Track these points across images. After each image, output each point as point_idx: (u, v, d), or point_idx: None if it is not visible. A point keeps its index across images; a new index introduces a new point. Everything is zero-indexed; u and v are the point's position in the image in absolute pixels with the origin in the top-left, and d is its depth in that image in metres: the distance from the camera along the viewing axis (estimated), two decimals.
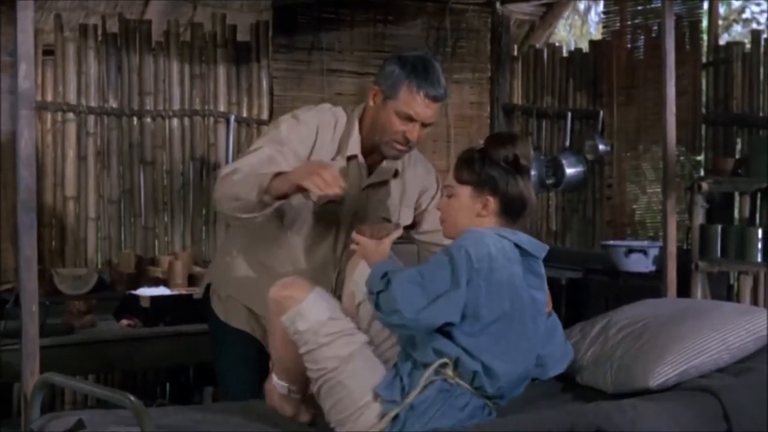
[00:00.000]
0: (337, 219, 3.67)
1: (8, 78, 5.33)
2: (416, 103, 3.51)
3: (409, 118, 3.52)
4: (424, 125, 3.56)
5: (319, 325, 3.13)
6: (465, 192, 3.20)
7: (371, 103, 3.60)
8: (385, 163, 3.71)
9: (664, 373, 3.39)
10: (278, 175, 3.31)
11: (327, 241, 3.70)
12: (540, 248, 3.21)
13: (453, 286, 2.98)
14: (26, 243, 3.17)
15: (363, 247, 3.25)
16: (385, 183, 3.74)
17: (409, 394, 3.03)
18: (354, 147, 3.63)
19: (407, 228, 3.85)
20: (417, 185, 3.85)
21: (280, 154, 3.52)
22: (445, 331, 3.04)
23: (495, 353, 3.07)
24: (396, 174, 3.75)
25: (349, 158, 3.64)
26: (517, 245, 3.14)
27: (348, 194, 3.55)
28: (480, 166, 3.19)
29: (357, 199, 3.67)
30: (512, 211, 3.20)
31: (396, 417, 3.03)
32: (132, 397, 2.71)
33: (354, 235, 3.30)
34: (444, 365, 3.05)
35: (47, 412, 3.16)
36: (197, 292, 3.98)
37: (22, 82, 3.16)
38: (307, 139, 3.59)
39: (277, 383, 3.25)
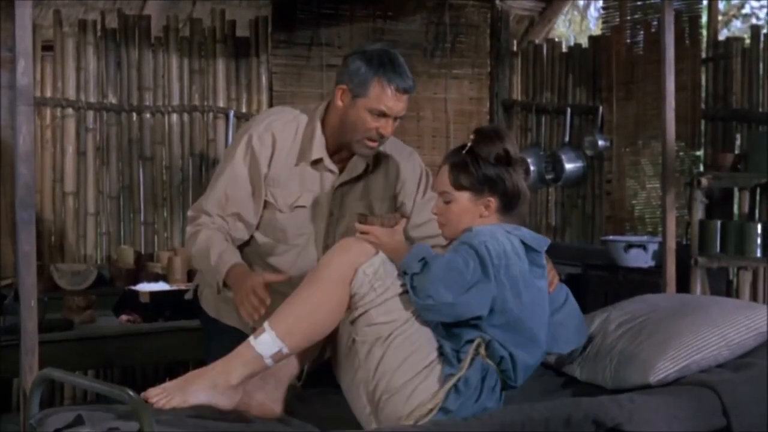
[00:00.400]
0: (314, 221, 3.68)
1: (7, 74, 5.34)
2: (388, 97, 3.48)
3: (382, 114, 3.50)
4: (395, 119, 3.55)
5: (396, 275, 3.15)
6: (464, 197, 3.24)
7: (339, 103, 3.54)
8: (355, 158, 3.68)
9: (664, 368, 3.39)
10: (233, 268, 3.42)
11: (308, 243, 3.69)
12: (542, 242, 3.25)
13: (484, 278, 3.04)
14: (25, 239, 3.16)
15: (377, 236, 3.22)
16: (358, 179, 3.72)
17: (461, 362, 3.09)
18: (319, 150, 3.60)
19: None
20: (396, 173, 3.81)
21: (237, 186, 3.58)
22: (472, 323, 3.10)
23: (518, 344, 3.15)
24: (368, 168, 3.72)
25: (315, 162, 3.61)
26: (521, 241, 3.18)
27: (319, 198, 3.62)
28: (475, 169, 3.21)
29: (331, 199, 3.67)
30: (511, 204, 3.25)
31: (453, 389, 3.06)
32: (131, 393, 2.70)
33: (361, 225, 3.26)
34: (479, 345, 3.11)
35: (46, 408, 3.15)
36: (188, 293, 3.94)
37: (20, 78, 3.15)
38: (263, 156, 3.58)
39: (265, 339, 3.06)
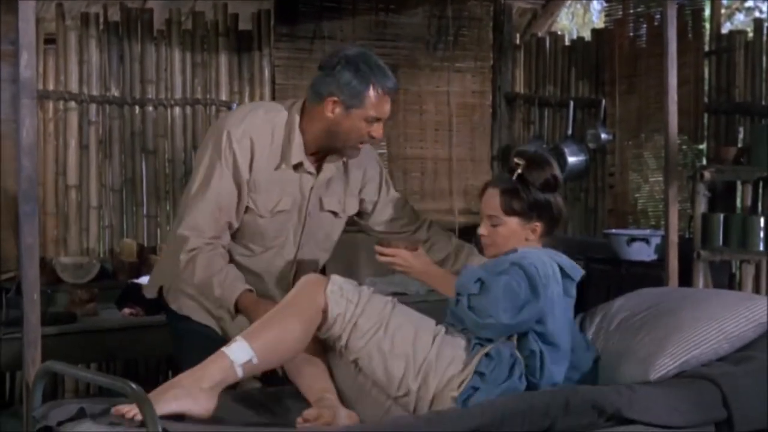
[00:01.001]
0: (293, 223, 3.69)
1: (9, 67, 5.33)
2: (382, 104, 3.53)
3: (377, 120, 3.54)
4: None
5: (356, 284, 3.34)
6: (513, 221, 3.43)
7: (329, 114, 3.52)
8: (329, 158, 3.69)
9: (664, 365, 3.40)
10: (241, 297, 3.45)
11: (285, 243, 3.71)
12: (577, 272, 3.42)
13: (534, 298, 3.22)
14: (27, 231, 3.16)
15: (405, 259, 3.40)
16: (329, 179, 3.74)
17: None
18: (298, 154, 3.59)
19: (356, 216, 3.92)
20: (358, 172, 3.83)
21: (227, 195, 3.54)
22: None
23: (548, 349, 3.30)
24: (345, 166, 3.75)
25: (295, 165, 3.60)
26: (560, 266, 3.35)
27: (297, 200, 3.64)
28: (526, 195, 3.39)
29: (307, 201, 3.68)
30: (553, 228, 3.49)
31: (485, 356, 3.19)
32: (134, 386, 2.70)
33: (384, 249, 3.42)
34: (511, 336, 3.28)
35: (49, 401, 3.16)
36: (148, 291, 3.85)
37: (23, 71, 3.15)
38: (244, 161, 3.54)
39: (238, 347, 3.10)
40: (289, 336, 3.17)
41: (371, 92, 3.49)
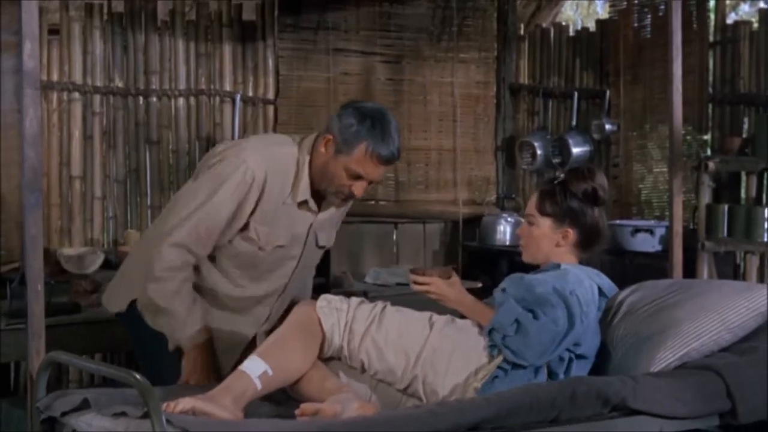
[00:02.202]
0: (291, 257, 3.69)
1: (12, 58, 5.32)
2: (368, 165, 3.46)
3: (359, 177, 3.49)
4: (370, 182, 3.55)
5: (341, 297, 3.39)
6: (546, 223, 3.47)
7: (322, 150, 3.49)
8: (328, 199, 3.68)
9: (664, 358, 3.39)
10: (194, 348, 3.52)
11: (280, 276, 3.71)
12: (613, 290, 3.52)
13: (569, 327, 3.23)
14: (31, 222, 3.15)
15: (439, 287, 3.37)
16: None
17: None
18: (305, 192, 3.56)
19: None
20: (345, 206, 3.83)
21: (217, 221, 3.48)
22: None
23: (578, 361, 3.35)
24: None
25: (300, 203, 3.59)
26: (599, 288, 3.41)
27: (298, 236, 3.63)
28: (561, 199, 3.43)
29: (305, 237, 3.68)
30: (588, 242, 3.50)
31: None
32: (138, 376, 2.69)
33: (418, 277, 3.38)
34: None
35: (53, 391, 3.15)
36: (118, 304, 3.78)
37: (27, 61, 3.14)
38: (253, 195, 3.49)
39: (252, 362, 3.14)
40: (296, 348, 3.22)
41: (363, 146, 3.43)
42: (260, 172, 3.47)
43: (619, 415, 3.16)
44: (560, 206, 3.45)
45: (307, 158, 3.54)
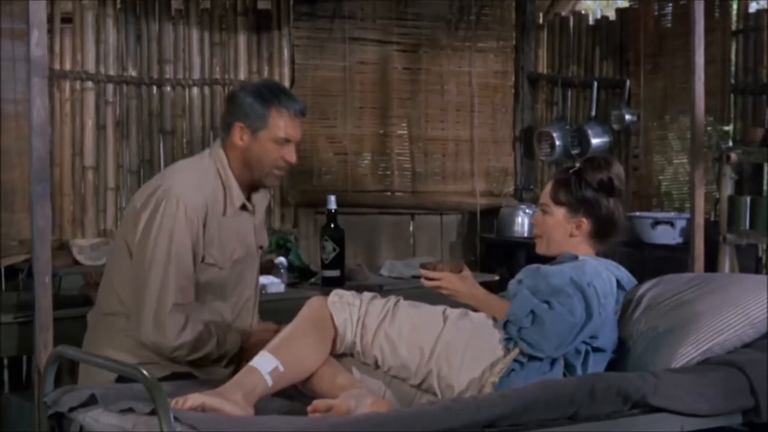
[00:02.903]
0: (250, 265, 3.73)
1: (23, 46, 5.27)
2: (288, 124, 3.53)
3: (286, 141, 3.53)
4: (295, 142, 3.60)
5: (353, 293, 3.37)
6: (559, 212, 3.46)
7: (238, 142, 3.52)
8: (259, 193, 3.72)
9: (686, 354, 3.36)
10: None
11: (245, 290, 3.72)
12: (632, 283, 3.48)
13: (587, 318, 3.20)
14: (39, 213, 3.12)
15: (451, 282, 3.35)
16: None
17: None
18: (239, 196, 3.58)
19: None
20: (264, 201, 3.84)
21: (188, 264, 3.45)
22: None
23: (595, 354, 3.31)
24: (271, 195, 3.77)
25: (240, 207, 3.60)
26: (617, 280, 3.38)
27: (248, 242, 3.66)
28: (576, 188, 3.42)
29: (254, 242, 3.72)
30: (603, 233, 3.48)
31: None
32: (144, 371, 2.66)
33: (429, 273, 3.38)
34: None
35: (64, 384, 3.12)
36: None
37: (34, 50, 3.11)
38: (198, 224, 3.46)
39: (262, 358, 3.12)
40: (308, 344, 3.19)
41: (274, 112, 3.50)
42: (198, 201, 3.47)
43: (639, 413, 3.11)
44: (575, 195, 3.43)
45: (226, 163, 3.56)
